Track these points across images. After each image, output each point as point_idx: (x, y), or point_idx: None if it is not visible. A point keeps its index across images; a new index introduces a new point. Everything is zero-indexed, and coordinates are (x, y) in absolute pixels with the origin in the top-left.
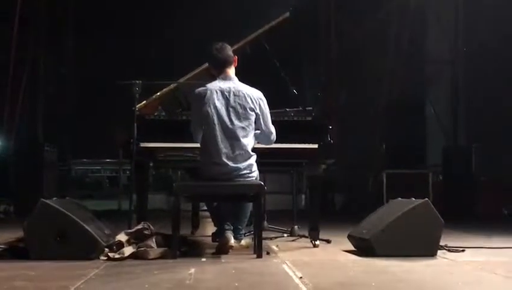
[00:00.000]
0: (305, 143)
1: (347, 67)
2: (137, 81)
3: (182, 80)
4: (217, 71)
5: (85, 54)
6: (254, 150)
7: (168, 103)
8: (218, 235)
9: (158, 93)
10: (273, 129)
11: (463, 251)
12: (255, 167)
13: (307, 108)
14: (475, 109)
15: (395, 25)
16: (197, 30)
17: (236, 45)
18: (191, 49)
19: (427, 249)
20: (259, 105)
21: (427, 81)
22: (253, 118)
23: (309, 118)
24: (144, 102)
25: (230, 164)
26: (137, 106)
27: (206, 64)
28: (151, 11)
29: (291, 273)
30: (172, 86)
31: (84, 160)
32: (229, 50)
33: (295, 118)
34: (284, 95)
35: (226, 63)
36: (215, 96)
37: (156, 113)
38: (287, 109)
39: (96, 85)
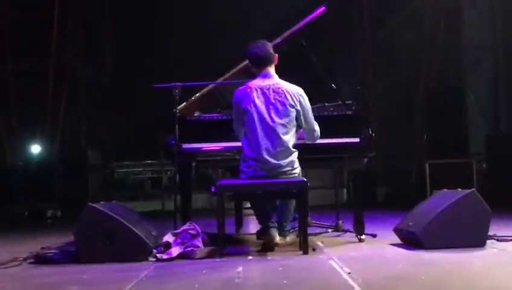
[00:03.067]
0: (346, 137)
1: (383, 57)
2: (177, 84)
3: (220, 80)
4: (257, 69)
5: (124, 57)
6: (295, 146)
7: (207, 103)
8: (263, 233)
9: (197, 94)
10: (316, 126)
11: None
12: (297, 164)
13: (346, 102)
14: None
15: (430, 12)
16: (233, 29)
17: (273, 42)
18: (228, 47)
19: (476, 239)
20: (300, 102)
21: (466, 67)
22: (293, 114)
23: (349, 112)
24: (184, 103)
25: (272, 161)
26: (178, 108)
27: (244, 63)
28: (188, 13)
29: (339, 269)
30: (210, 86)
31: (126, 162)
32: (269, 48)
33: (335, 113)
34: (323, 90)
35: (265, 61)
36: (255, 94)
37: (196, 114)
38: (326, 104)
39: (136, 88)
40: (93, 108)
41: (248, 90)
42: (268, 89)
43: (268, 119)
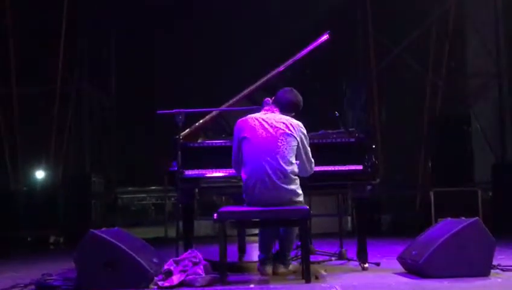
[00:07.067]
0: (349, 165)
1: (388, 84)
2: (180, 110)
3: (224, 106)
4: (270, 104)
5: (128, 84)
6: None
7: (212, 129)
8: (260, 265)
9: (201, 121)
10: (311, 161)
11: None
12: (300, 191)
13: (350, 129)
14: None
15: (434, 39)
16: (239, 55)
17: (277, 69)
18: (231, 76)
19: (480, 269)
20: (300, 133)
21: (471, 95)
22: (295, 143)
23: (352, 139)
24: (188, 130)
25: (275, 189)
26: (181, 134)
27: (248, 89)
28: (191, 41)
29: None
30: (214, 112)
31: (130, 188)
32: (294, 99)
33: (338, 140)
34: (326, 117)
35: (278, 103)
36: (256, 122)
37: (199, 141)
38: (329, 131)
39: (139, 114)
40: (97, 133)
41: (249, 119)
42: (270, 119)
43: (272, 149)
